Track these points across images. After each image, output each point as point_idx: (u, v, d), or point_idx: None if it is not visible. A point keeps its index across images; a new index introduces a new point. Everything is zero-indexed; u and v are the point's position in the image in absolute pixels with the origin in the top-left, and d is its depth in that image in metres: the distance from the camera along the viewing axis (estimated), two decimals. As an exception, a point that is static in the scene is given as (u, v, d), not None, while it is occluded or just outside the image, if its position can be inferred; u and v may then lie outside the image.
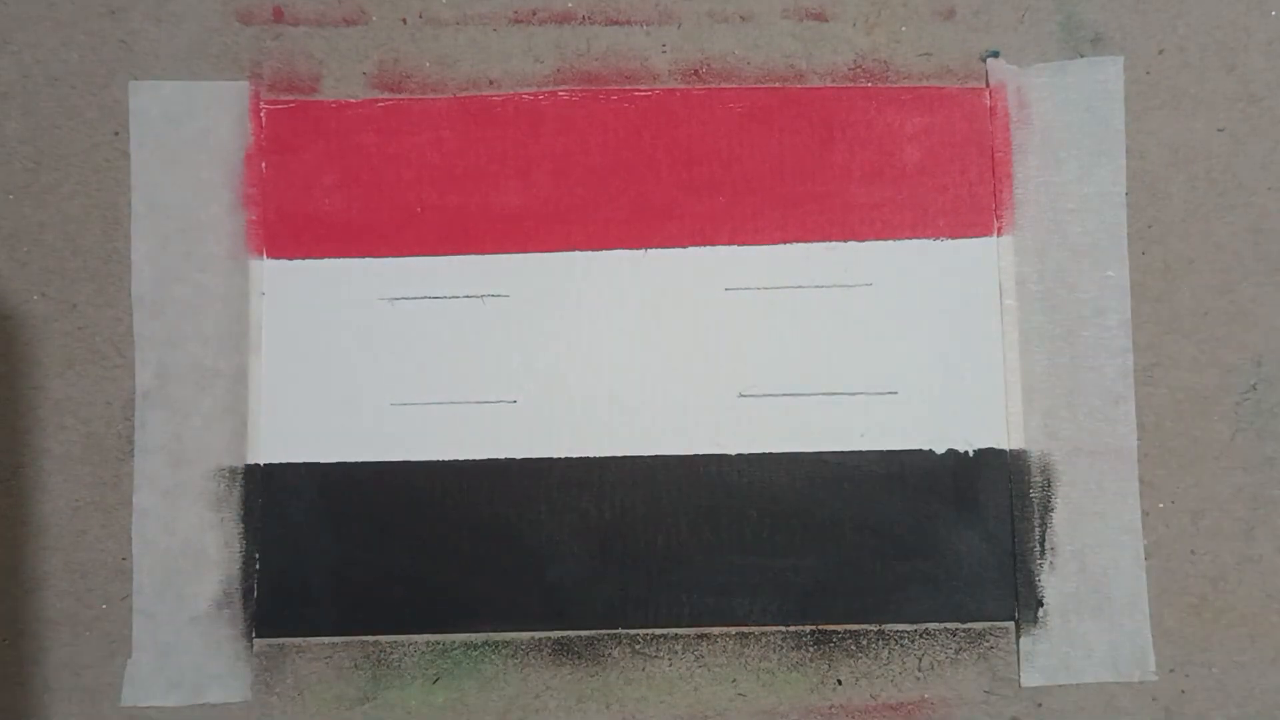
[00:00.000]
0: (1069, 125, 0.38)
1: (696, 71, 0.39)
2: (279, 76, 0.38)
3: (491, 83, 0.39)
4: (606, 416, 0.37)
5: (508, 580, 0.37)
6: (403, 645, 0.37)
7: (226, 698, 0.37)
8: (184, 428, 0.37)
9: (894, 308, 0.38)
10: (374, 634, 0.37)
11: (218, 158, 0.38)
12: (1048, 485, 0.37)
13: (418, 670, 0.37)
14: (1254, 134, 0.38)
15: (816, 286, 0.38)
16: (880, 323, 0.38)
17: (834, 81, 0.39)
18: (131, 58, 0.38)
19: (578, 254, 0.38)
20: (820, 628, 0.37)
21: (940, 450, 0.37)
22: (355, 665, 0.37)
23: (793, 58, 0.39)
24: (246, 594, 0.37)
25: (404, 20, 0.39)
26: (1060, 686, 0.37)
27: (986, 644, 0.37)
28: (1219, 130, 0.38)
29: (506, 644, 0.37)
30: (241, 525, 0.37)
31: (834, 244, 0.38)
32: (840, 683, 0.37)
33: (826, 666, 0.37)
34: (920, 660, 0.37)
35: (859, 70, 0.39)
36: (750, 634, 0.37)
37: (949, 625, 0.37)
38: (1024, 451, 0.37)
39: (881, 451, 0.37)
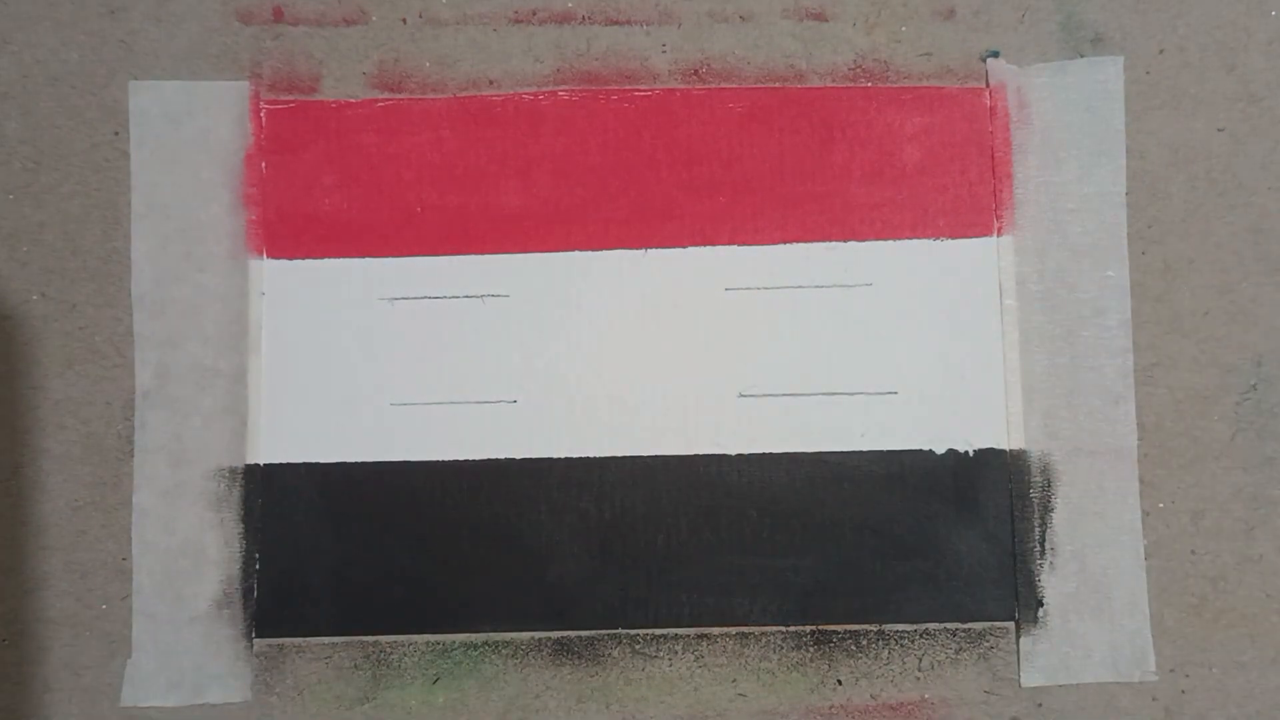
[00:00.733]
0: (1069, 125, 0.38)
1: (696, 71, 0.39)
2: (279, 76, 0.38)
3: (491, 83, 0.39)
4: (606, 416, 0.37)
5: (508, 580, 0.37)
6: (403, 645, 0.37)
7: (226, 698, 0.37)
8: (184, 428, 0.37)
9: (894, 308, 0.38)
10: (374, 634, 0.37)
11: (218, 158, 0.38)
12: (1048, 485, 0.37)
13: (418, 670, 0.37)
14: (1254, 134, 0.38)
15: (816, 286, 0.38)
16: (880, 323, 0.38)
17: (834, 81, 0.39)
18: (131, 58, 0.38)
19: (578, 254, 0.38)
20: (820, 628, 0.37)
21: (940, 450, 0.37)
22: (355, 665, 0.37)
23: (793, 58, 0.39)
24: (246, 594, 0.37)
25: (404, 20, 0.39)
26: (1060, 686, 0.37)
27: (986, 644, 0.37)
28: (1219, 130, 0.38)
29: (506, 644, 0.37)
30: (241, 525, 0.37)
31: (834, 244, 0.38)
32: (840, 683, 0.37)
33: (826, 666, 0.37)
34: (920, 660, 0.37)
35: (859, 70, 0.39)
36: (750, 634, 0.37)
37: (949, 625, 0.37)
38: (1024, 451, 0.37)
39: (881, 451, 0.37)
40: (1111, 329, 0.37)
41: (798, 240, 0.38)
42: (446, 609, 0.37)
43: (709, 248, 0.38)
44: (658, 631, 0.37)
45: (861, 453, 0.37)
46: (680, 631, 0.37)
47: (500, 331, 0.38)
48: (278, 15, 0.39)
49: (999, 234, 0.38)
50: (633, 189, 0.38)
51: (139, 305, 0.37)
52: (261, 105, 0.38)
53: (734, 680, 0.37)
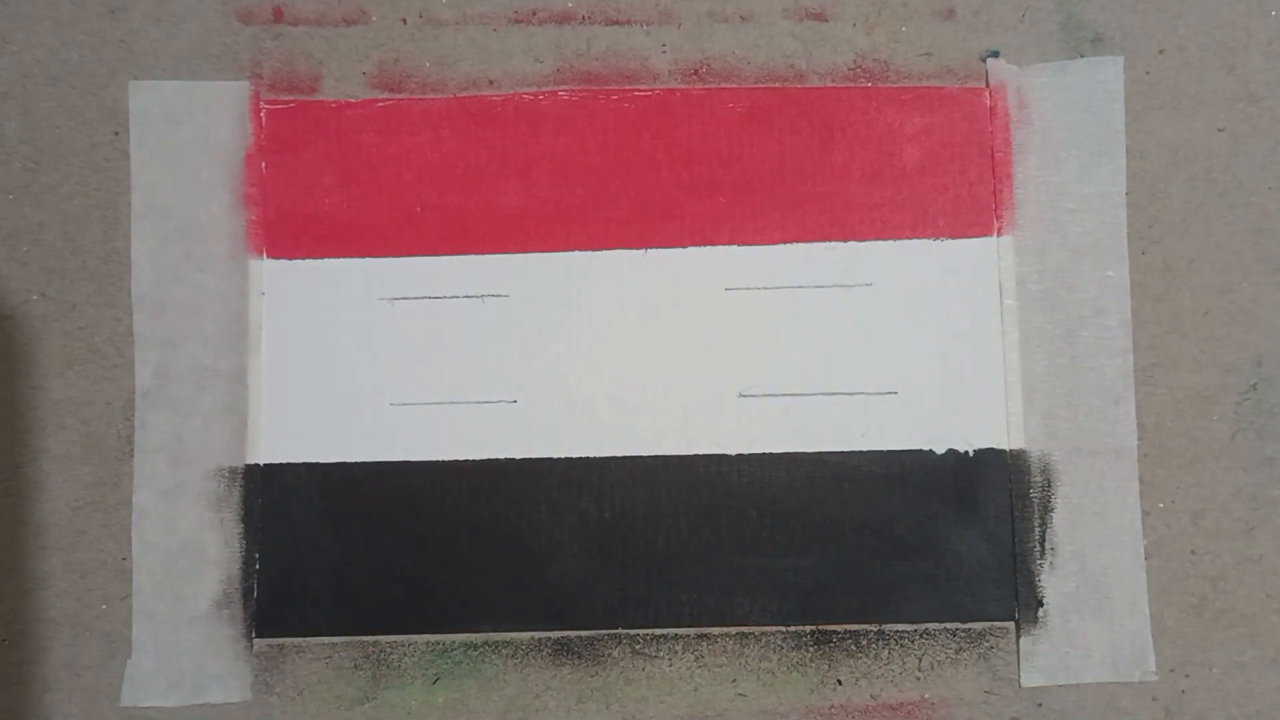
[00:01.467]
0: (1069, 125, 0.38)
1: (696, 71, 0.39)
2: (279, 76, 0.38)
3: (491, 83, 0.39)
4: (606, 416, 0.37)
5: (508, 580, 0.37)
6: (403, 645, 0.37)
7: (226, 698, 0.37)
8: (184, 428, 0.37)
9: (894, 308, 0.38)
10: (374, 634, 0.37)
11: (218, 158, 0.38)
12: (1048, 485, 0.37)
13: (418, 670, 0.37)
14: (1254, 134, 0.38)
15: (816, 286, 0.38)
16: (880, 323, 0.38)
17: (834, 81, 0.39)
18: (131, 58, 0.38)
19: (578, 254, 0.38)
20: (820, 628, 0.37)
21: (940, 450, 0.37)
22: (355, 665, 0.37)
23: (793, 58, 0.39)
24: (246, 594, 0.37)
25: (404, 20, 0.39)
26: (1060, 686, 0.37)
27: (986, 644, 0.37)
28: (1219, 130, 0.38)
29: (506, 644, 0.37)
30: (241, 525, 0.37)
31: (834, 244, 0.38)
32: (840, 683, 0.37)
33: (826, 666, 0.37)
34: (920, 660, 0.37)
35: (859, 70, 0.39)
36: (750, 634, 0.37)
37: (949, 625, 0.37)
38: (1024, 451, 0.37)
39: (881, 451, 0.37)
40: (1111, 329, 0.37)
41: (798, 240, 0.38)
42: (446, 609, 0.37)
43: (709, 248, 0.38)
44: (658, 631, 0.37)
45: (861, 453, 0.37)
46: (680, 631, 0.37)
47: (500, 331, 0.38)
48: (278, 15, 0.39)
49: (999, 234, 0.38)
50: (633, 189, 0.38)
51: (139, 305, 0.37)
52: (261, 105, 0.38)
53: (734, 680, 0.37)
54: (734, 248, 0.38)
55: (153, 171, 0.38)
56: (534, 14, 0.39)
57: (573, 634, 0.37)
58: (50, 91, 0.38)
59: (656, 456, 0.37)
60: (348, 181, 0.38)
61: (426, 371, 0.38)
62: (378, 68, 0.39)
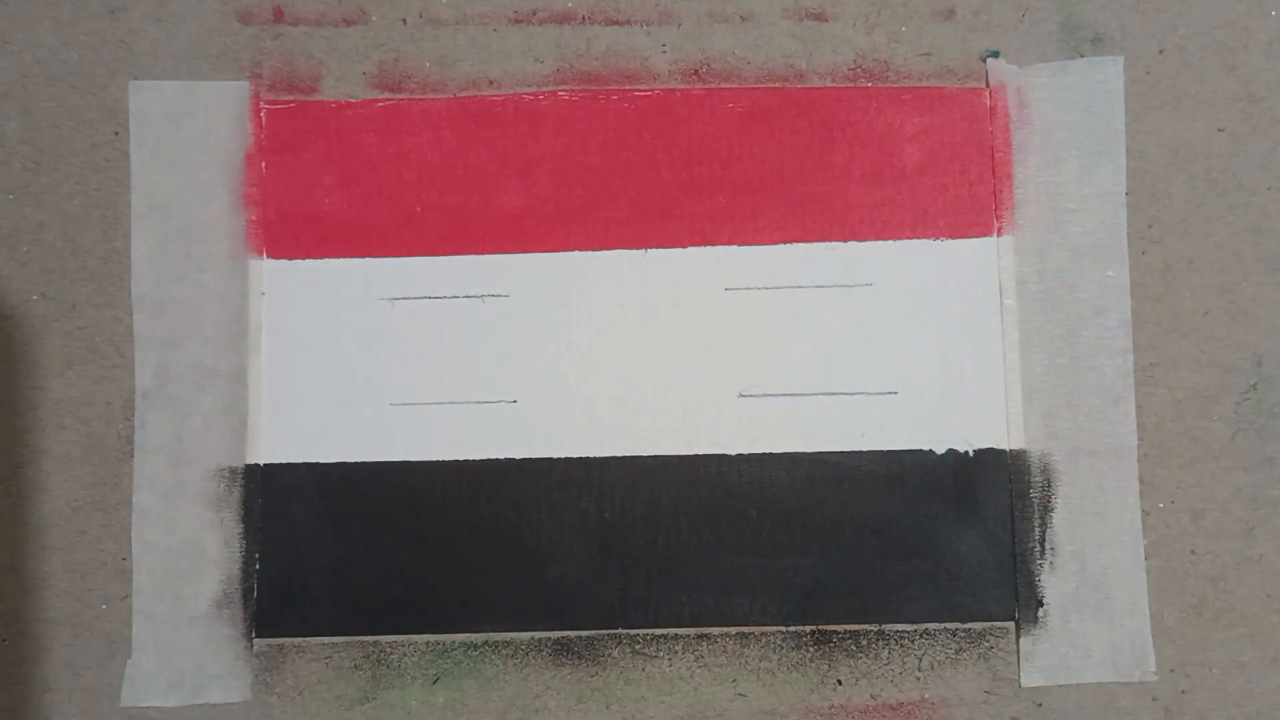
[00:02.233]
0: (1069, 125, 0.38)
1: (696, 71, 0.39)
2: (279, 76, 0.38)
3: (491, 83, 0.39)
4: (606, 416, 0.37)
5: (508, 580, 0.37)
6: (403, 645, 0.37)
7: (226, 698, 0.37)
8: (184, 428, 0.37)
9: (894, 308, 0.38)
10: (374, 634, 0.37)
11: (218, 158, 0.38)
12: (1048, 485, 0.37)
13: (418, 670, 0.37)
14: (1254, 134, 0.38)
15: (816, 286, 0.38)
16: (880, 323, 0.38)
17: (834, 81, 0.39)
18: (131, 58, 0.38)
19: (578, 254, 0.38)
20: (820, 628, 0.37)
21: (940, 450, 0.37)
22: (355, 665, 0.37)
23: (793, 58, 0.39)
24: (246, 594, 0.37)
25: (404, 20, 0.39)
26: (1060, 686, 0.37)
27: (986, 644, 0.37)
28: (1219, 130, 0.38)
29: (506, 644, 0.37)
30: (241, 525, 0.37)
31: (834, 244, 0.38)
32: (840, 683, 0.37)
33: (826, 666, 0.37)
34: (920, 660, 0.37)
35: (859, 70, 0.39)
36: (750, 634, 0.37)
37: (949, 625, 0.37)
38: (1024, 451, 0.37)
39: (881, 451, 0.37)
40: (1111, 329, 0.37)
41: (798, 240, 0.38)
42: (446, 609, 0.37)
43: (709, 248, 0.38)
44: (658, 631, 0.37)
45: (861, 453, 0.37)
46: (680, 631, 0.37)
47: (500, 331, 0.38)
48: (278, 15, 0.39)
49: (999, 234, 0.38)
50: (633, 189, 0.38)
51: (139, 305, 0.37)
52: (261, 105, 0.38)
53: (734, 680, 0.37)
54: (734, 248, 0.38)
55: (153, 171, 0.38)
56: (534, 14, 0.39)
57: (573, 634, 0.37)
58: (50, 91, 0.38)
59: (656, 456, 0.37)
60: (348, 181, 0.38)
61: (426, 371, 0.38)
62: (378, 68, 0.39)
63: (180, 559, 0.37)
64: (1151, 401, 0.37)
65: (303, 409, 0.37)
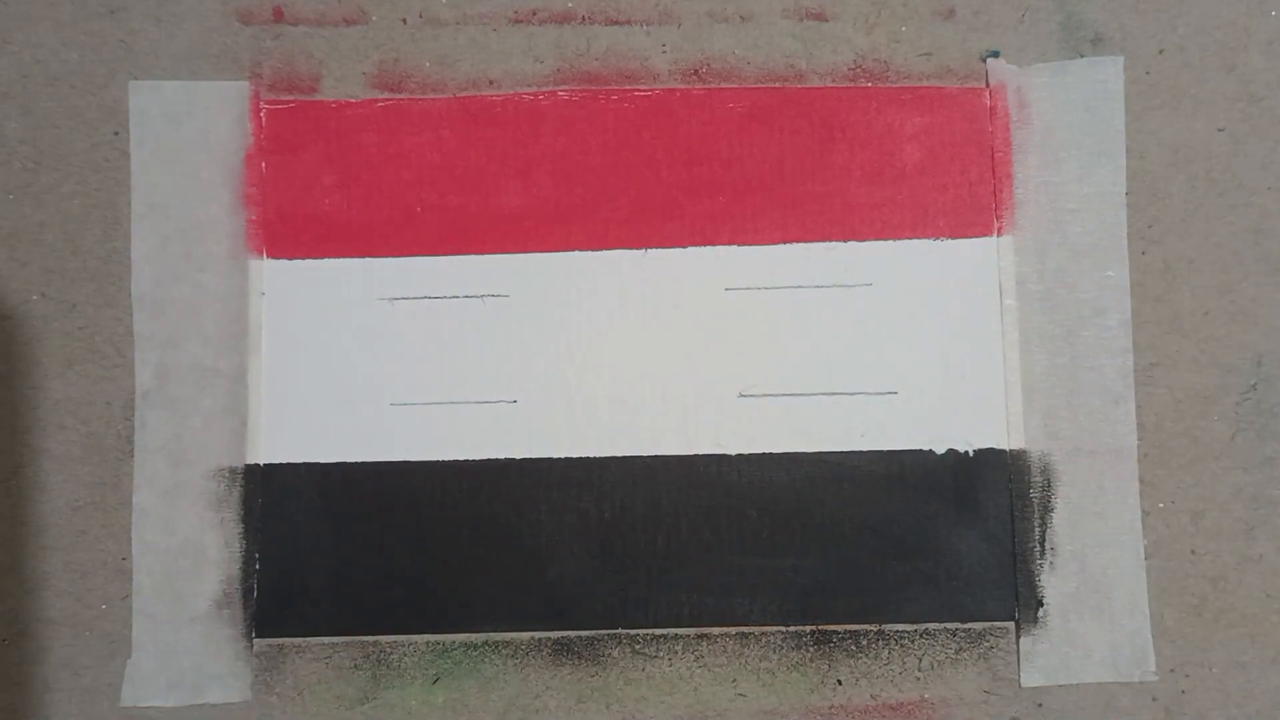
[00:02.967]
0: (1069, 125, 0.38)
1: (696, 71, 0.39)
2: (279, 76, 0.38)
3: (491, 83, 0.39)
4: (606, 416, 0.37)
5: (508, 580, 0.37)
6: (403, 645, 0.37)
7: (226, 698, 0.37)
8: (184, 428, 0.37)
9: (894, 308, 0.38)
10: (374, 634, 0.37)
11: (218, 158, 0.38)
12: (1048, 485, 0.37)
13: (418, 670, 0.37)
14: (1254, 134, 0.38)
15: (816, 286, 0.38)
16: (880, 323, 0.38)
17: (834, 81, 0.39)
18: (131, 58, 0.38)
19: (578, 254, 0.38)
20: (820, 628, 0.37)
21: (940, 450, 0.37)
22: (355, 665, 0.37)
23: (793, 58, 0.39)
24: (246, 594, 0.37)
25: (404, 20, 0.39)
26: (1060, 686, 0.37)
27: (986, 644, 0.37)
28: (1219, 130, 0.38)
29: (506, 644, 0.37)
30: (241, 525, 0.37)
31: (834, 244, 0.38)
32: (840, 683, 0.37)
33: (826, 666, 0.37)
34: (920, 660, 0.37)
35: (859, 70, 0.39)
36: (750, 634, 0.37)
37: (949, 625, 0.37)
38: (1024, 451, 0.37)
39: (881, 451, 0.37)
40: (1111, 329, 0.37)
41: (798, 240, 0.38)
42: (446, 609, 0.37)
43: (709, 248, 0.38)
44: (658, 631, 0.37)
45: (861, 453, 0.37)
46: (680, 631, 0.37)
47: (500, 331, 0.38)
48: (278, 15, 0.39)
49: (999, 234, 0.38)
50: (633, 189, 0.38)
51: (139, 305, 0.37)
52: (261, 105, 0.38)
53: (734, 680, 0.37)
54: (734, 248, 0.38)
55: (153, 171, 0.38)
56: (534, 14, 0.39)
57: (573, 634, 0.37)
58: (50, 91, 0.38)
59: (656, 456, 0.37)
60: (348, 181, 0.38)
61: (426, 371, 0.38)
62: (378, 68, 0.39)
63: (180, 559, 0.37)
64: (1151, 401, 0.37)
65: (303, 409, 0.37)
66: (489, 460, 0.37)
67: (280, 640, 0.37)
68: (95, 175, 0.38)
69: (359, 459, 0.37)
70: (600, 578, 0.37)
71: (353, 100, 0.38)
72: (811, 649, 0.37)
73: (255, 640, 0.37)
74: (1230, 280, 0.38)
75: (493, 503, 0.37)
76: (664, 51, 0.39)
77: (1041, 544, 0.37)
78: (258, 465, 0.37)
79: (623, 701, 0.37)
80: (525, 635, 0.37)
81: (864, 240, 0.38)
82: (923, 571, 0.37)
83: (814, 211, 0.38)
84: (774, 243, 0.38)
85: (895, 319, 0.38)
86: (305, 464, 0.37)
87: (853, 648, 0.37)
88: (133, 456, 0.37)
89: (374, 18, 0.39)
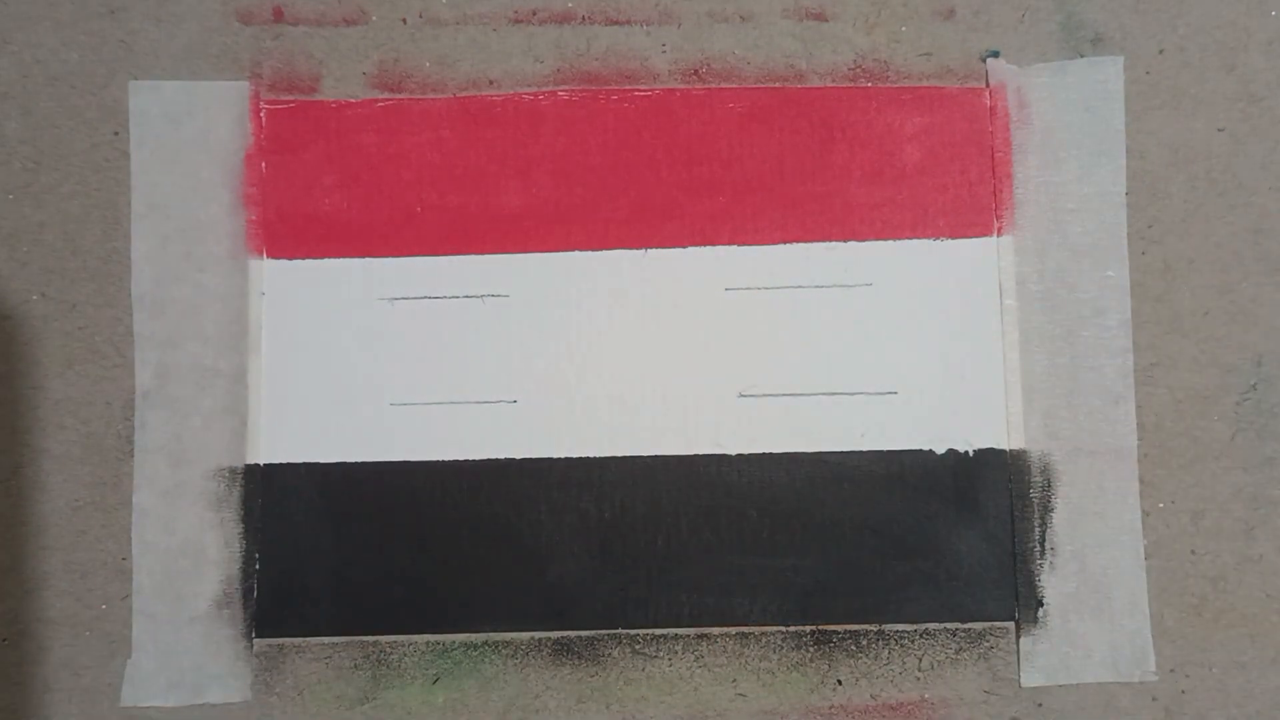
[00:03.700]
0: (1069, 125, 0.38)
1: (696, 71, 0.39)
2: (279, 76, 0.38)
3: (491, 83, 0.39)
4: (606, 416, 0.37)
5: (508, 580, 0.37)
6: (403, 645, 0.37)
7: (226, 698, 0.37)
8: (184, 428, 0.37)
9: (894, 308, 0.38)
10: (374, 634, 0.37)
11: (218, 158, 0.38)
12: (1048, 485, 0.37)
13: (418, 670, 0.37)
14: (1254, 134, 0.38)
15: (816, 286, 0.38)
16: (880, 323, 0.38)
17: (834, 81, 0.39)
18: (131, 58, 0.38)
19: (578, 254, 0.38)
20: (820, 628, 0.37)
21: (940, 450, 0.37)
22: (355, 665, 0.37)
23: (793, 58, 0.39)
24: (246, 594, 0.37)
25: (404, 20, 0.39)
26: (1060, 686, 0.37)
27: (986, 644, 0.37)
28: (1219, 130, 0.38)
29: (506, 644, 0.37)
30: (241, 525, 0.37)
31: (834, 244, 0.38)
32: (840, 683, 0.37)
33: (826, 666, 0.37)
34: (920, 660, 0.37)
35: (859, 70, 0.39)
36: (750, 634, 0.37)
37: (949, 625, 0.37)
38: (1024, 451, 0.37)
39: (881, 451, 0.37)
40: (1111, 329, 0.37)
41: (798, 240, 0.38)
42: (446, 609, 0.37)
43: (709, 248, 0.38)
44: (658, 631, 0.37)
45: (861, 453, 0.37)
46: (680, 631, 0.37)
47: (500, 331, 0.38)
48: (278, 15, 0.39)
49: (999, 234, 0.38)
50: (633, 189, 0.38)
51: (139, 305, 0.37)
52: (261, 105, 0.38)
53: (734, 680, 0.37)
54: (734, 248, 0.38)
55: (153, 171, 0.38)
56: (534, 14, 0.39)
57: (573, 634, 0.37)
58: (50, 91, 0.38)
59: (656, 456, 0.37)
60: (348, 181, 0.38)
61: (426, 371, 0.38)
62: (378, 68, 0.39)
63: (180, 559, 0.37)
64: (1151, 401, 0.37)
65: (303, 409, 0.37)
66: (489, 460, 0.37)
67: (280, 640, 0.37)
68: (95, 175, 0.38)
69: (359, 459, 0.37)
70: (600, 578, 0.37)
71: (353, 100, 0.38)
72: (811, 649, 0.37)
73: (255, 640, 0.37)
74: (1230, 280, 0.38)
75: (493, 503, 0.37)
76: (664, 51, 0.39)
77: (1041, 544, 0.37)
78: (258, 465, 0.37)
79: (623, 701, 0.37)
80: (525, 635, 0.37)
81: (864, 240, 0.38)
82: (923, 571, 0.37)
83: (814, 211, 0.38)
84: (774, 243, 0.38)
85: (895, 319, 0.38)
86: (305, 464, 0.37)
87: (853, 648, 0.37)
88: (133, 456, 0.37)
89: (374, 18, 0.39)
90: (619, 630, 0.37)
